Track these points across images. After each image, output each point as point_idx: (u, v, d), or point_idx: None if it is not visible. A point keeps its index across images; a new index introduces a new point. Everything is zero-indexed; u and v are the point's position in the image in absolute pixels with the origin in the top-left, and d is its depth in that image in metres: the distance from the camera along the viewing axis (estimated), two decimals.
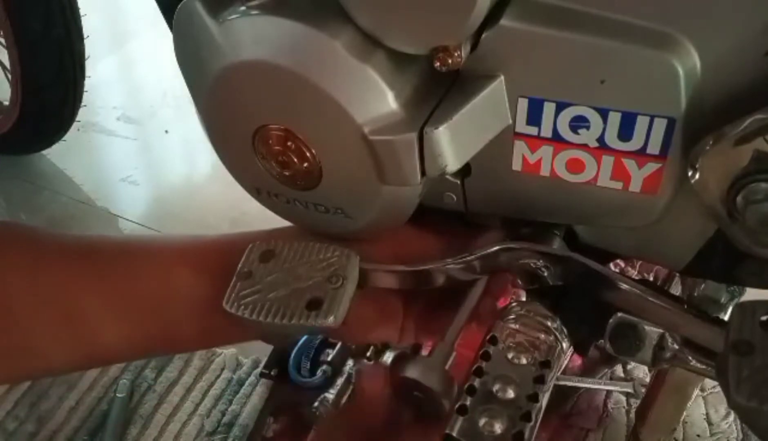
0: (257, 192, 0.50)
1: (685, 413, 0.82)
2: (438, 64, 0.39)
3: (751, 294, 0.54)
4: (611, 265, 0.76)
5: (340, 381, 1.10)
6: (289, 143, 0.44)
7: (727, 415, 1.00)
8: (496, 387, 0.40)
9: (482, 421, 0.38)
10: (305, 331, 0.43)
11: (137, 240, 0.54)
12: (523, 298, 0.49)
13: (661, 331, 0.46)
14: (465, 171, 0.45)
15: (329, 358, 1.12)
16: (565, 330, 0.44)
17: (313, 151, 0.44)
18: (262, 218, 0.51)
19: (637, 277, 0.96)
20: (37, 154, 1.51)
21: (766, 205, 0.35)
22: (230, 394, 1.12)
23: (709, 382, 1.02)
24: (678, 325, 0.42)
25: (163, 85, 1.69)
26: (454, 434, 0.38)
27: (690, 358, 0.52)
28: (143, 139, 1.61)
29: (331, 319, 0.41)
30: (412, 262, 0.45)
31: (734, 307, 0.37)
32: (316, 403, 0.90)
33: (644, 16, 0.36)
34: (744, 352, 0.34)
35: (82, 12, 1.28)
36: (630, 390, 0.99)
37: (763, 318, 0.36)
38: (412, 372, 0.41)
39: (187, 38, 0.44)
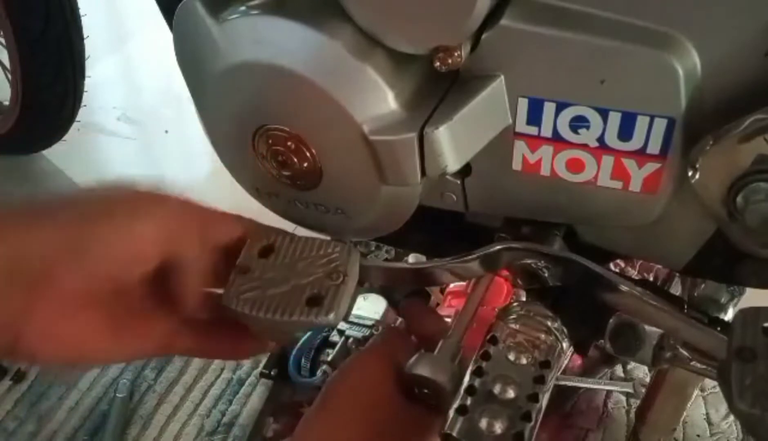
0: (257, 192, 0.50)
1: (685, 413, 0.81)
2: (438, 64, 0.39)
3: (751, 294, 0.54)
4: (611, 265, 0.76)
5: None
6: (289, 143, 0.44)
7: (727, 415, 1.00)
8: (496, 387, 0.39)
9: (482, 421, 0.38)
10: (305, 327, 0.43)
11: None
12: (523, 298, 0.49)
13: (661, 331, 0.46)
14: (465, 171, 0.45)
15: (329, 358, 1.12)
16: (565, 330, 0.44)
17: (313, 151, 0.44)
18: (262, 218, 0.51)
19: (637, 277, 0.96)
20: (37, 154, 1.51)
21: (766, 205, 0.35)
22: (230, 394, 1.12)
23: (709, 382, 1.02)
24: (678, 330, 0.42)
25: (163, 85, 1.68)
26: (454, 434, 0.37)
27: (690, 358, 0.52)
28: (143, 139, 1.61)
29: (332, 315, 0.40)
30: None
31: (737, 314, 0.37)
32: None
33: (644, 16, 0.36)
34: (747, 359, 0.34)
35: (82, 12, 1.28)
36: (630, 390, 0.99)
37: (766, 324, 0.35)
38: (421, 369, 0.40)
39: (187, 38, 0.44)
